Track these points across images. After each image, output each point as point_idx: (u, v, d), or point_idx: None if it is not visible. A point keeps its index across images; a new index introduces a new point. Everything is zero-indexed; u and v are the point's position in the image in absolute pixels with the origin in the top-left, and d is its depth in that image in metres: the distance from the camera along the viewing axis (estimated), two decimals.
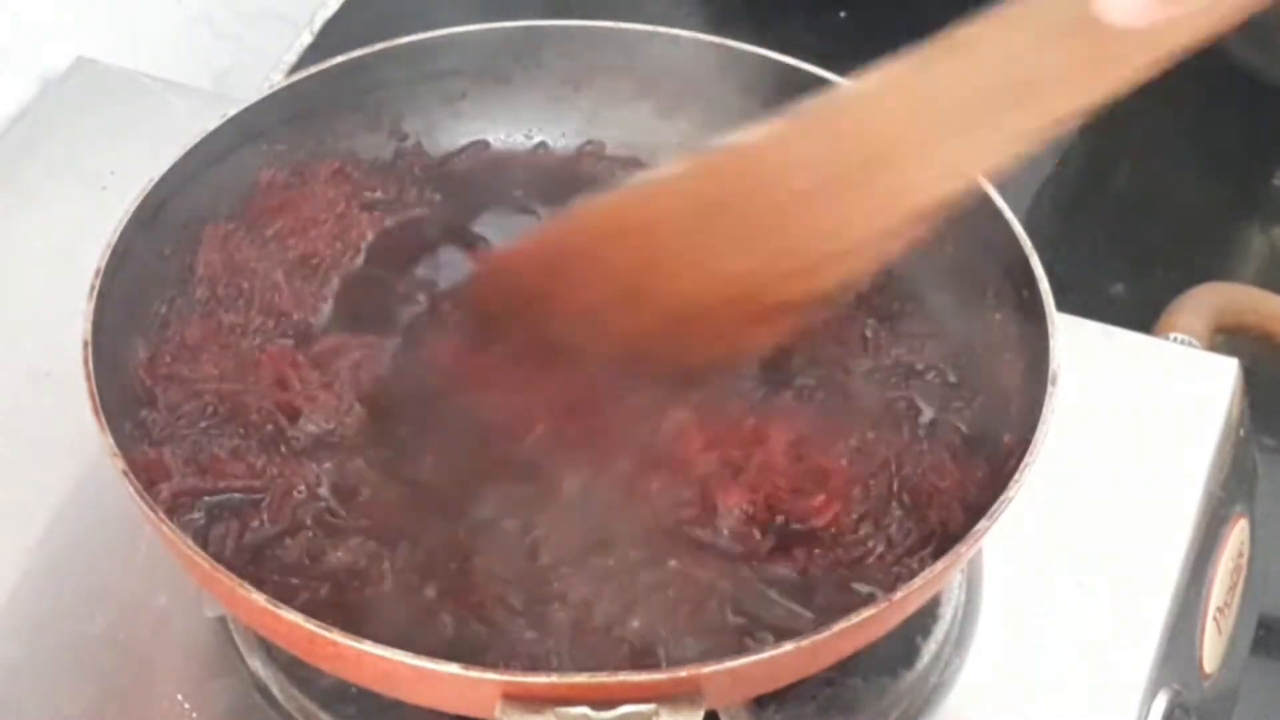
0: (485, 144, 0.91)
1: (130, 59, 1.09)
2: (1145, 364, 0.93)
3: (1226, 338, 1.05)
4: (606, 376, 0.74)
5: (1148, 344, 0.97)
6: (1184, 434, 0.90)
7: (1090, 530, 0.85)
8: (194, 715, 0.77)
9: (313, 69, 0.88)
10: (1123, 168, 1.32)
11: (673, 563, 0.74)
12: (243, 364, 0.80)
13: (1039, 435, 0.73)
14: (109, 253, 0.77)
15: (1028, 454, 0.72)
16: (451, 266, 0.85)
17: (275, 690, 0.77)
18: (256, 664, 0.78)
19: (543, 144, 0.92)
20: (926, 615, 0.80)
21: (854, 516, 0.76)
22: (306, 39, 1.24)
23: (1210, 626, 0.87)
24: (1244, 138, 1.31)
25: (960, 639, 0.81)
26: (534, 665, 0.70)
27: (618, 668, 0.70)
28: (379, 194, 0.88)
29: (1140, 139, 1.32)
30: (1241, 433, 0.92)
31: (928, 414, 0.80)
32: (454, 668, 0.65)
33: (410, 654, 0.66)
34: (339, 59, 0.88)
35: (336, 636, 0.66)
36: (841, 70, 0.88)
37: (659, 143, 0.91)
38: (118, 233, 0.78)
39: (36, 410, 0.88)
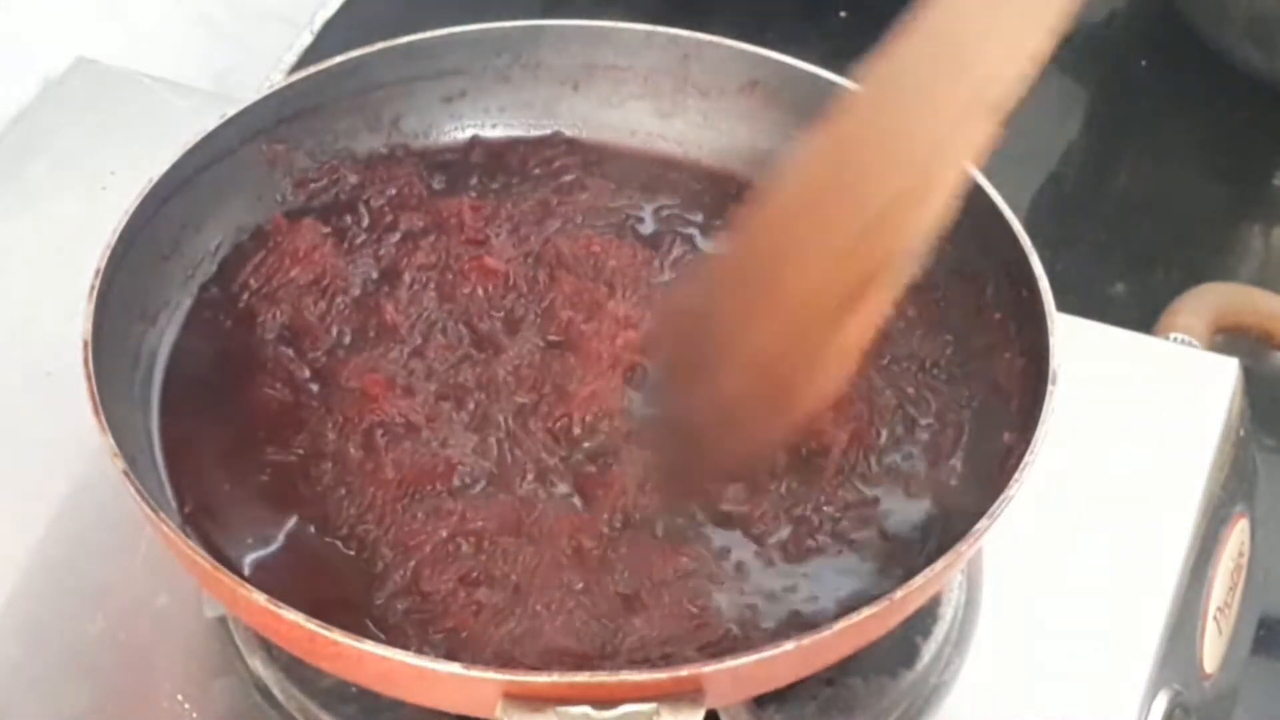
0: (484, 142, 0.91)
1: (130, 59, 1.08)
2: (1145, 364, 0.93)
3: (1226, 338, 1.06)
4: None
5: (1148, 344, 0.97)
6: (1184, 434, 0.90)
7: (1090, 530, 0.85)
8: (194, 715, 0.77)
9: (313, 69, 0.88)
10: (1123, 168, 1.32)
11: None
12: (244, 374, 0.80)
13: (1039, 434, 0.73)
14: (109, 253, 0.77)
15: (1028, 453, 0.72)
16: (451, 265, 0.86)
17: (275, 690, 0.77)
18: (256, 664, 0.78)
19: (541, 143, 0.92)
20: (926, 615, 0.80)
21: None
22: (306, 39, 1.24)
23: (1210, 626, 0.87)
24: (1244, 138, 1.31)
25: (960, 639, 0.81)
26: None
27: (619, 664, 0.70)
28: (377, 194, 0.88)
29: (1140, 139, 1.32)
30: (1241, 433, 0.92)
31: (928, 412, 0.80)
32: (455, 667, 0.65)
33: (411, 654, 0.66)
34: (339, 59, 0.88)
35: (337, 636, 0.66)
36: (842, 70, 0.88)
37: (658, 143, 0.91)
38: (118, 233, 0.78)
39: (36, 410, 0.88)
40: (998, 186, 0.82)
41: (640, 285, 0.85)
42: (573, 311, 0.83)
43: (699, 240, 0.87)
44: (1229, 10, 1.29)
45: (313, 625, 0.66)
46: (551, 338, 0.82)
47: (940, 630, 0.80)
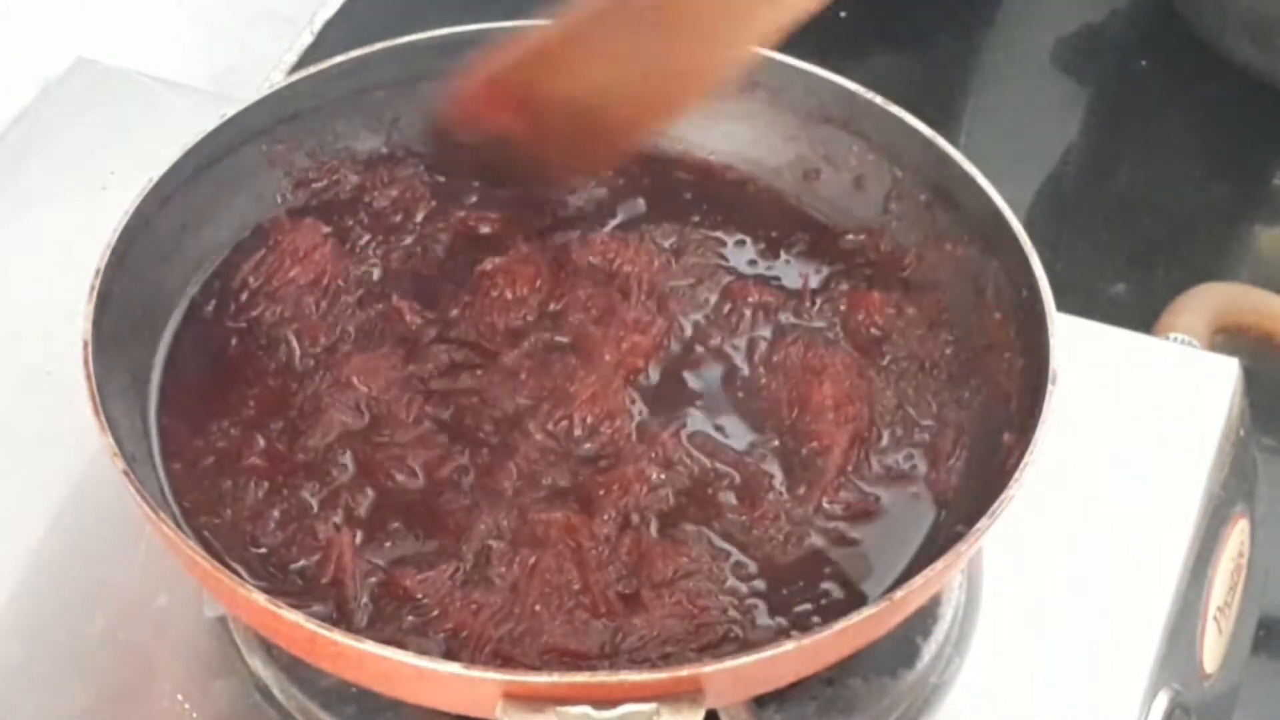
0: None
1: (130, 59, 1.09)
2: (1145, 364, 0.93)
3: (1226, 338, 1.06)
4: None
5: (1148, 344, 0.97)
6: (1184, 434, 0.90)
7: (1090, 530, 0.85)
8: (194, 715, 0.77)
9: (312, 69, 0.88)
10: (1123, 168, 1.32)
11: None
12: (245, 373, 0.81)
13: (1039, 434, 0.73)
14: (109, 253, 0.77)
15: (1028, 453, 0.72)
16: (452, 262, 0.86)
17: (275, 690, 0.77)
18: (256, 664, 0.78)
19: None
20: (926, 615, 0.80)
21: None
22: (306, 39, 1.24)
23: (1210, 626, 0.87)
24: (1244, 138, 1.31)
25: (960, 639, 0.81)
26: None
27: (619, 664, 0.70)
28: (377, 194, 0.88)
29: (1140, 139, 1.32)
30: (1241, 433, 0.92)
31: (928, 412, 0.80)
32: (454, 667, 0.65)
33: (411, 654, 0.66)
34: (339, 59, 0.88)
35: (337, 636, 0.66)
36: (842, 70, 0.88)
37: (657, 141, 0.91)
38: (118, 233, 0.78)
39: (36, 410, 0.88)
40: (998, 186, 0.82)
41: (652, 288, 0.85)
42: (583, 314, 0.83)
43: (708, 240, 0.87)
44: (1229, 10, 1.29)
45: (313, 625, 0.66)
46: (559, 339, 0.82)
47: (940, 630, 0.80)
